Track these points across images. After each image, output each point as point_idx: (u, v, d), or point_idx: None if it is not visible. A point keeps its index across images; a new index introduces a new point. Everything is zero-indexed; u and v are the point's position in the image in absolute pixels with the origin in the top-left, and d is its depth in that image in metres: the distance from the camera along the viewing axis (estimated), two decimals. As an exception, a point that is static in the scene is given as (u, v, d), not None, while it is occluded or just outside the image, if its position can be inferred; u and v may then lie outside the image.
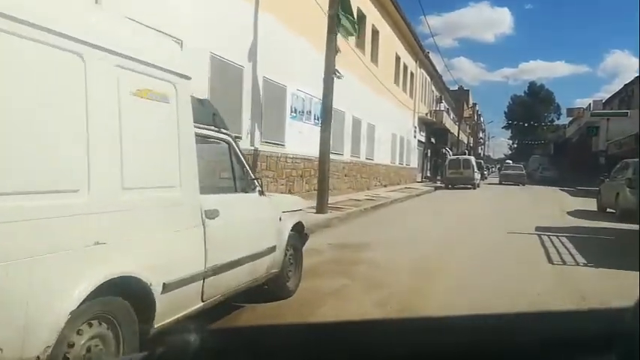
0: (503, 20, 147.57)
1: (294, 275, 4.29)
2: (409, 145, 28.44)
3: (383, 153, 22.42)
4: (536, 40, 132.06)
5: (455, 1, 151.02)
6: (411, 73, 28.25)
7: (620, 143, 27.80)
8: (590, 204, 14.85)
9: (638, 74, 32.38)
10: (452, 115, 44.44)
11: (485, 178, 41.87)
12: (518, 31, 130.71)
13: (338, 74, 10.95)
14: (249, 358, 0.70)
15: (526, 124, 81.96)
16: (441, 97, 38.57)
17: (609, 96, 39.22)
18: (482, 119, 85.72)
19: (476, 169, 25.11)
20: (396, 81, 25.01)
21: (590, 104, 34.01)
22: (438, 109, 35.56)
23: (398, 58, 24.93)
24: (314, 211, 10.64)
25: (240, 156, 3.54)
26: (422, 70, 30.90)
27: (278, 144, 12.40)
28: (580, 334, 0.73)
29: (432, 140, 35.84)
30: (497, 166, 71.48)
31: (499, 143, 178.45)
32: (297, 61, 12.78)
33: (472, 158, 25.96)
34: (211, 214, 2.89)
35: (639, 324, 0.69)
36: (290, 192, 13.03)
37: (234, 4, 10.05)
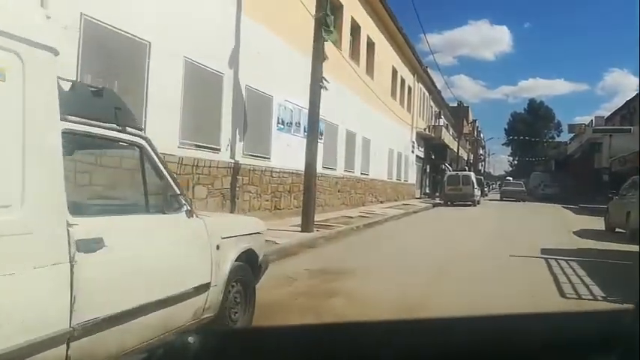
0: (502, 38, 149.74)
1: (242, 317, 3.38)
2: (407, 160, 27.64)
3: (379, 168, 21.58)
4: (535, 58, 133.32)
5: (454, 20, 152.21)
6: (409, 88, 27.59)
7: (623, 160, 26.97)
8: (596, 223, 13.90)
9: (638, 92, 31.84)
10: (451, 131, 43.81)
11: (486, 195, 40.99)
12: (518, 49, 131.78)
13: (324, 83, 10.14)
14: (249, 358, 0.70)
15: (527, 140, 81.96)
16: (440, 112, 37.92)
17: (610, 113, 38.64)
18: (482, 136, 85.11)
19: (476, 186, 24.24)
20: (393, 95, 24.30)
21: (592, 120, 33.34)
22: (436, 124, 34.86)
23: (395, 72, 24.26)
24: (299, 229, 9.77)
25: (160, 164, 2.66)
26: (420, 85, 30.26)
27: (263, 157, 11.55)
28: (580, 335, 0.74)
29: (431, 156, 35.07)
30: (498, 182, 70.68)
31: (499, 160, 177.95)
32: (285, 70, 12.00)
33: (472, 174, 25.15)
34: (88, 246, 2.00)
35: (639, 325, 0.71)
36: (276, 208, 12.13)
37: (214, 6, 9.31)
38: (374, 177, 20.70)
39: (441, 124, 36.76)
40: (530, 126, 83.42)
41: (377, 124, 20.91)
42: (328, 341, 0.74)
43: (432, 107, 35.38)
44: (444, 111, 41.11)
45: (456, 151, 38.64)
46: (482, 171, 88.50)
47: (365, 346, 0.73)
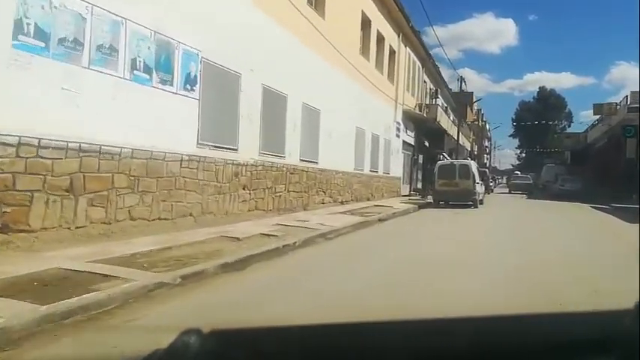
0: (507, 31, 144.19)
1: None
2: (388, 146, 20.93)
3: (338, 154, 14.89)
4: (541, 51, 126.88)
5: (459, 13, 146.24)
6: (391, 50, 20.79)
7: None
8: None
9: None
10: (451, 116, 37.00)
11: (491, 191, 34.21)
12: (523, 42, 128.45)
13: None
14: (249, 358, 0.71)
15: (536, 131, 74.79)
16: (437, 91, 31.06)
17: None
18: (487, 126, 78.43)
19: (477, 180, 17.46)
20: (365, 53, 17.57)
21: (626, 97, 26.27)
22: (431, 103, 28.07)
23: (367, 22, 17.49)
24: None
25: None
26: (409, 50, 23.43)
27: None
28: (580, 335, 0.74)
29: (425, 143, 28.28)
30: (505, 177, 64.03)
31: (505, 154, 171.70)
32: None
33: (472, 163, 18.31)
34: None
35: (639, 326, 0.69)
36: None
37: None
38: (328, 166, 14.04)
39: (438, 104, 29.92)
40: (540, 115, 76.17)
41: (335, 90, 14.25)
42: (329, 341, 0.74)
43: (425, 83, 28.56)
44: (442, 91, 34.21)
45: (456, 138, 31.77)
46: (487, 164, 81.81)
47: (365, 346, 0.72)
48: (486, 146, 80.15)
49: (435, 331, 0.79)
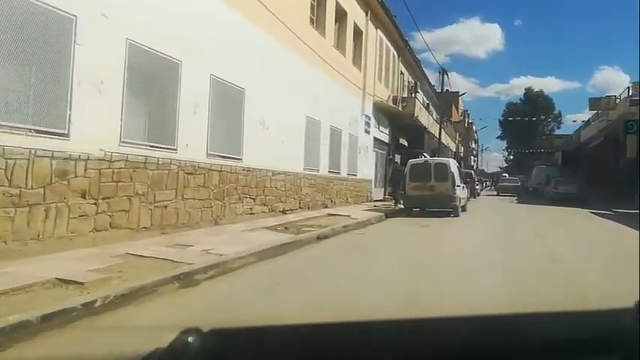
0: (493, 36, 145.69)
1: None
2: (355, 143, 17.59)
3: (279, 150, 11.51)
4: (526, 56, 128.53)
5: (445, 17, 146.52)
6: (356, 28, 17.48)
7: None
8: None
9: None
10: (434, 113, 33.88)
11: (478, 194, 31.04)
12: (509, 46, 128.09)
13: None
14: (249, 358, 0.71)
15: (524, 133, 71.98)
16: (416, 84, 27.88)
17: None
18: (474, 128, 75.68)
19: (458, 182, 14.15)
20: (318, 25, 14.22)
21: (628, 88, 23.19)
22: (409, 96, 24.80)
23: (322, -12, 14.19)
24: None
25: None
26: (380, 33, 20.15)
27: None
28: (580, 335, 0.73)
29: (403, 142, 25.00)
30: (493, 179, 61.20)
31: (493, 157, 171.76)
32: None
33: (451, 162, 14.98)
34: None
35: (639, 325, 0.68)
36: None
37: None
38: (260, 165, 10.61)
39: (420, 101, 26.67)
40: (528, 117, 74.14)
41: (271, 67, 10.89)
42: (329, 340, 0.73)
43: (403, 75, 25.33)
44: (423, 86, 31.05)
45: (438, 136, 28.54)
46: (474, 166, 79.02)
47: (366, 346, 0.72)
48: (473, 148, 77.43)
49: (434, 329, 0.78)
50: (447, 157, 39.11)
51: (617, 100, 23.82)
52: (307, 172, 13.28)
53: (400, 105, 22.53)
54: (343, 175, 16.39)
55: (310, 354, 0.71)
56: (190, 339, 0.67)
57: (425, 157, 28.25)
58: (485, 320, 0.83)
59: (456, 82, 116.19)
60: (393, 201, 17.02)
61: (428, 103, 33.03)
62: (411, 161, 14.84)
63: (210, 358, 0.68)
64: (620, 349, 0.68)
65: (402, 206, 14.92)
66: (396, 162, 16.09)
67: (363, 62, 18.19)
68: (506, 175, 56.23)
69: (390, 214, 13.95)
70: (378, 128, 20.99)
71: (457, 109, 55.84)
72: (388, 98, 20.72)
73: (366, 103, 18.78)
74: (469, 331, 0.75)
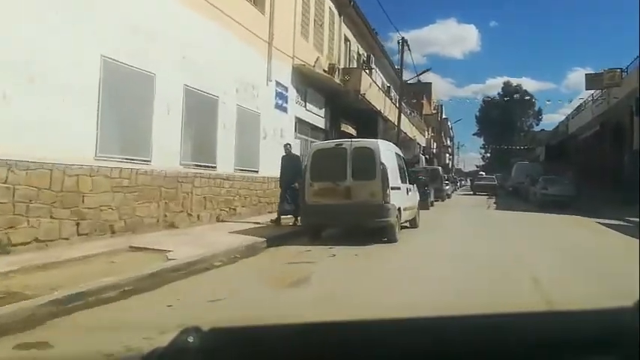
0: (470, 37, 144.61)
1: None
2: (251, 122, 11.38)
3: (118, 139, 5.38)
4: (502, 57, 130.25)
5: (422, 18, 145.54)
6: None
7: None
8: None
9: None
10: (399, 100, 27.90)
11: (448, 196, 25.28)
12: (485, 47, 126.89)
13: None
14: (249, 358, 0.70)
15: (502, 129, 67.19)
16: (369, 58, 21.81)
17: None
18: (449, 124, 70.42)
19: (398, 180, 8.11)
20: None
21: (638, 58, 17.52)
22: (353, 67, 18.76)
23: None
24: None
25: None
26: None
27: None
28: (580, 334, 0.72)
29: (348, 128, 18.93)
30: (469, 178, 56.23)
31: (471, 157, 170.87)
32: None
33: (382, 145, 8.06)
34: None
35: (639, 325, 0.67)
36: None
37: None
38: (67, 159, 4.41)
39: (376, 82, 20.63)
40: (506, 112, 69.06)
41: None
42: (329, 340, 0.72)
43: (348, 42, 19.31)
44: (380, 63, 25.09)
45: (397, 124, 22.56)
46: (450, 165, 73.88)
47: (365, 345, 0.70)
48: (448, 145, 72.19)
49: (434, 328, 0.76)
50: (415, 153, 33.66)
51: (624, 74, 18.19)
52: (113, 165, 7.05)
53: (339, 76, 16.46)
54: (224, 171, 10.21)
55: (309, 353, 0.71)
56: (190, 338, 0.67)
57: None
58: (485, 320, 0.82)
59: (434, 82, 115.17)
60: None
61: (389, 87, 27.15)
62: (316, 146, 8.63)
63: (209, 357, 0.68)
64: (620, 349, 0.67)
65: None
66: (289, 145, 9.71)
67: (269, 2, 12.06)
68: (483, 173, 52.14)
69: (280, 237, 7.85)
70: (305, 106, 14.87)
71: (429, 101, 50.24)
72: (315, 62, 14.56)
73: (279, 66, 12.64)
74: (469, 330, 0.74)
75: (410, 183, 9.67)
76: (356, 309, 3.80)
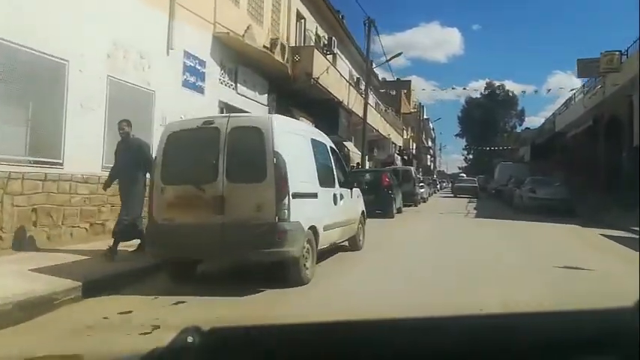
0: (453, 40, 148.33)
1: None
2: (141, 103, 8.17)
3: None
4: (485, 60, 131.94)
5: (405, 22, 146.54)
6: None
7: None
8: None
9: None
10: (374, 98, 24.94)
11: (424, 200, 22.32)
12: (468, 51, 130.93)
13: None
14: (249, 358, 0.69)
15: (485, 129, 65.03)
16: (331, 41, 18.74)
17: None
18: (430, 125, 68.33)
19: (315, 182, 5.17)
20: None
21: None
22: (306, 44, 15.67)
23: None
24: None
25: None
26: None
27: None
28: (580, 334, 0.71)
29: (304, 117, 15.85)
30: (451, 180, 54.02)
31: (453, 159, 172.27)
32: None
33: (285, 126, 4.98)
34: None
35: (639, 325, 0.67)
36: None
37: None
38: None
39: (341, 72, 17.58)
40: (489, 112, 66.77)
41: None
42: (329, 340, 0.72)
43: (303, 20, 16.23)
44: (347, 50, 22.04)
45: (363, 116, 19.53)
46: (432, 167, 71.62)
47: (365, 345, 0.70)
48: (430, 147, 69.83)
49: (434, 328, 0.75)
50: (389, 153, 30.85)
51: (625, 57, 15.41)
52: None
53: (287, 54, 13.34)
54: (80, 171, 6.96)
55: (309, 353, 0.71)
56: (190, 338, 0.66)
57: (347, 148, 19.38)
58: (485, 320, 0.81)
59: (417, 85, 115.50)
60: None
61: (358, 79, 24.17)
62: (170, 126, 5.22)
63: (210, 357, 0.68)
64: (620, 349, 0.67)
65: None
66: (125, 123, 6.41)
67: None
68: (464, 175, 50.59)
69: (113, 279, 4.70)
70: (235, 88, 11.72)
71: (408, 99, 47.41)
72: (245, 31, 11.37)
73: (190, 32, 9.46)
74: (469, 330, 0.74)
75: (349, 186, 6.59)
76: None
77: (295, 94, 14.87)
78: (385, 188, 13.34)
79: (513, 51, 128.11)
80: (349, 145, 20.50)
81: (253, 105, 12.69)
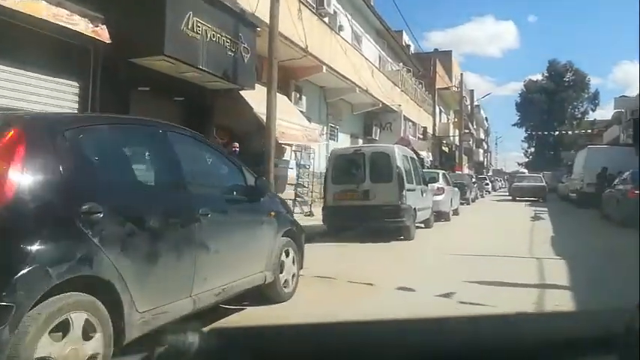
0: (508, 34, 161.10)
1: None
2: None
3: None
4: (542, 53, 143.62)
5: (458, 17, 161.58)
6: None
7: None
8: None
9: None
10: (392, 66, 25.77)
11: (467, 203, 21.75)
12: (524, 44, 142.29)
13: None
14: (249, 358, 0.79)
15: (549, 116, 65.28)
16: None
17: None
18: (482, 113, 66.23)
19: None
20: None
21: None
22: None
23: None
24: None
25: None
26: None
27: None
28: (580, 334, 0.83)
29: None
30: (507, 178, 53.19)
31: (511, 157, 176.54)
32: None
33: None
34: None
35: (639, 325, 0.76)
36: None
37: None
38: None
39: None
40: (554, 96, 66.42)
41: None
42: (328, 340, 0.83)
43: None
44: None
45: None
46: (485, 163, 70.39)
47: (365, 345, 0.79)
48: (483, 139, 71.44)
49: (435, 329, 0.89)
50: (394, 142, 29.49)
51: None
52: None
53: None
54: None
55: (310, 353, 0.80)
56: (190, 339, 0.76)
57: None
58: (486, 320, 1.01)
59: (472, 81, 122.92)
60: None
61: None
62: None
63: (210, 358, 0.78)
64: (620, 349, 0.76)
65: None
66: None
67: None
68: (525, 171, 47.68)
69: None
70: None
71: (450, 75, 43.65)
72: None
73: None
74: (470, 330, 0.88)
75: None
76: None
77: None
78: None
79: (573, 42, 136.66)
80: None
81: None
